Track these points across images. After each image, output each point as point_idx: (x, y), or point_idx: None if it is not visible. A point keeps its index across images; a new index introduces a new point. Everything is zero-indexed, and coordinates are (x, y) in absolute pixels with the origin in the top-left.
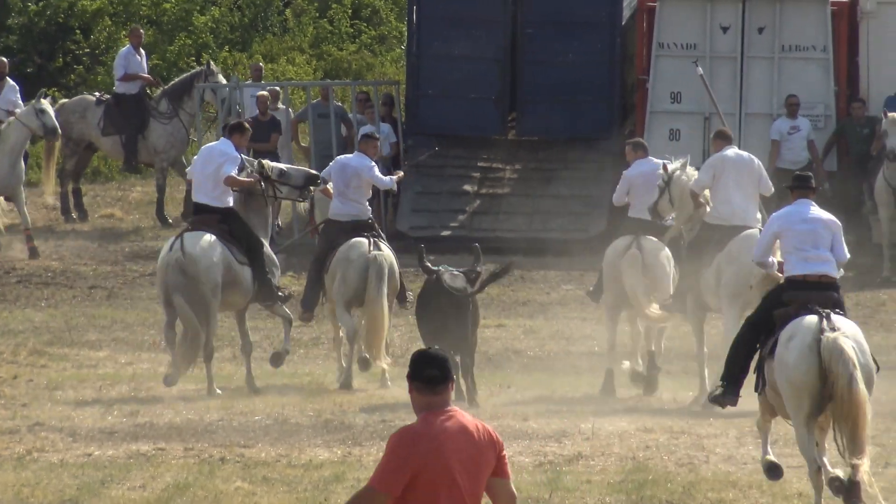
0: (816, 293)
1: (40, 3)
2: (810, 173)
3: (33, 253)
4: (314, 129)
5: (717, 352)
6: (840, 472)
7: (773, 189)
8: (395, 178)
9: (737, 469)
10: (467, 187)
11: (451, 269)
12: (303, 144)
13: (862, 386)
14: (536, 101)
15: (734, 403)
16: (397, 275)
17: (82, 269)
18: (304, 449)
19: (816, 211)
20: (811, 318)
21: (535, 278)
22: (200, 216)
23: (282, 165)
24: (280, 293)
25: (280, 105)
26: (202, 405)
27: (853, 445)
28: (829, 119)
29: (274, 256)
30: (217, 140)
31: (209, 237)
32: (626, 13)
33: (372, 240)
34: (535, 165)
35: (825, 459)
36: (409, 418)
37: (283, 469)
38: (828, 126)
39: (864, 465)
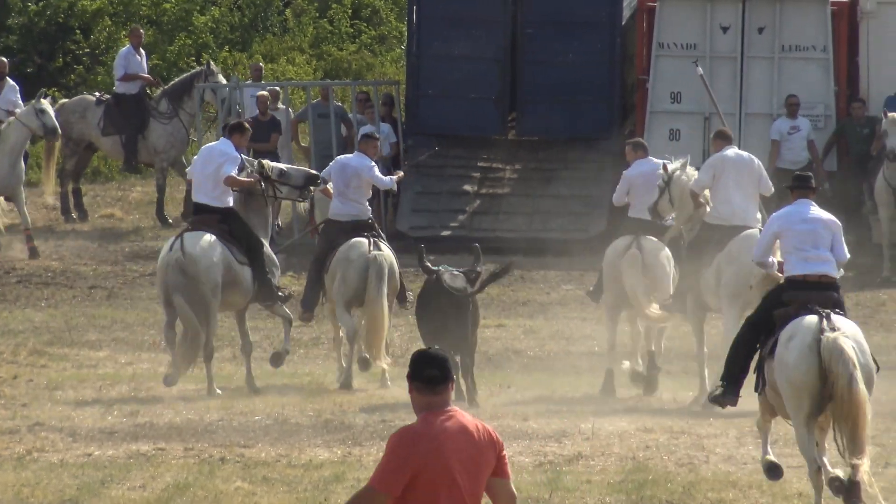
0: (816, 293)
1: (40, 3)
2: (810, 173)
3: (33, 253)
4: (314, 129)
5: (717, 352)
6: (840, 472)
7: (773, 189)
8: (395, 178)
9: (737, 469)
10: (467, 187)
11: (451, 269)
12: (303, 144)
13: (862, 386)
14: (536, 101)
15: (734, 403)
16: (397, 275)
17: (82, 269)
18: (304, 449)
19: (816, 211)
20: (811, 318)
21: (535, 278)
22: (200, 216)
23: (282, 165)
24: (280, 293)
25: (280, 105)
26: (202, 405)
27: (853, 445)
28: (829, 119)
29: (274, 256)
30: (217, 140)
31: (209, 237)
32: (626, 13)
33: (372, 240)
34: (535, 165)
35: (825, 459)
36: (409, 418)
37: (283, 469)
38: (828, 126)
39: (864, 465)
